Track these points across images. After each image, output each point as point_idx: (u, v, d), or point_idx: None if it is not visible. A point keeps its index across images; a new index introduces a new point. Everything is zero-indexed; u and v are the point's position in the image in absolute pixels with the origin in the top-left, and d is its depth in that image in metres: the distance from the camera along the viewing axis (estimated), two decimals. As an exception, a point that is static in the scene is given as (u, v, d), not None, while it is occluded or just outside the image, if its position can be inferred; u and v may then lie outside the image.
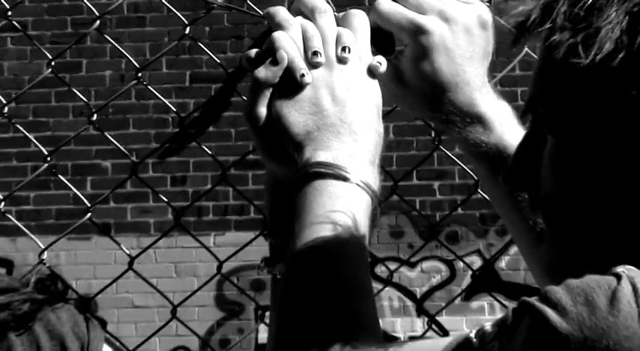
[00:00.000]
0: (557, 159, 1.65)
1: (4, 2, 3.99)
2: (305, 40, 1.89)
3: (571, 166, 1.64)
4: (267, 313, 1.91)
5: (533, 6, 1.61)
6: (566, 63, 1.55)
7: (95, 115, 4.27)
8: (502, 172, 1.78)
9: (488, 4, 2.05)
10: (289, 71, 1.86)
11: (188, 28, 3.83)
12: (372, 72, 1.91)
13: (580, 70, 1.54)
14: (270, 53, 1.87)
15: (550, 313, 1.50)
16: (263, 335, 8.92)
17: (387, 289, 9.59)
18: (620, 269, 1.52)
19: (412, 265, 9.67)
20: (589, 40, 1.54)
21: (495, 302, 9.42)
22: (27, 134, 4.51)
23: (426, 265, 9.75)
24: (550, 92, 1.63)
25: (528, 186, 1.73)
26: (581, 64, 1.53)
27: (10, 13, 3.91)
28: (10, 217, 4.60)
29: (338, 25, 1.92)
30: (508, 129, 2.04)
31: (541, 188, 1.69)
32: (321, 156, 1.82)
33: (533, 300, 1.52)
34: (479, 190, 2.92)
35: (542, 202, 1.71)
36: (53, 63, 4.05)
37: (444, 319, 9.32)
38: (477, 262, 9.58)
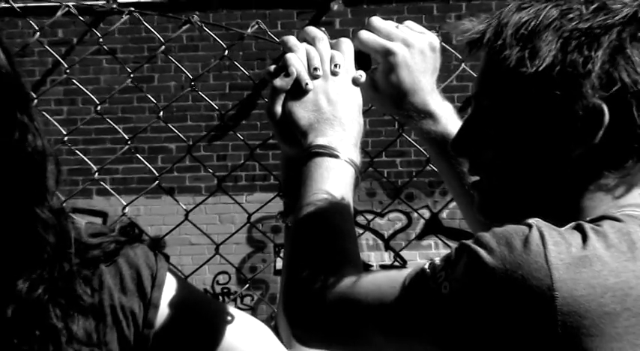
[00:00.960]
0: (498, 136, 1.65)
1: (97, 33, 3.96)
2: (308, 59, 1.89)
3: (507, 142, 1.65)
4: (282, 250, 1.89)
5: (485, 27, 1.63)
6: (515, 70, 1.57)
7: (162, 112, 4.26)
8: (450, 142, 1.79)
9: (437, 33, 2.04)
10: (297, 81, 1.87)
11: (227, 52, 3.81)
12: (355, 82, 1.91)
13: (526, 76, 1.57)
14: (284, 69, 1.88)
15: (481, 251, 1.50)
16: (279, 264, 8.95)
17: (365, 232, 9.61)
18: (531, 220, 1.52)
19: (382, 216, 9.66)
20: (533, 55, 1.56)
21: (439, 241, 9.41)
22: (115, 126, 4.49)
23: (391, 215, 9.74)
24: (496, 90, 1.64)
25: (470, 153, 1.72)
26: (527, 72, 1.56)
27: (101, 40, 3.86)
28: (103, 184, 4.58)
29: (331, 48, 1.92)
30: (450, 122, 2.04)
31: (482, 156, 1.69)
32: (320, 141, 1.83)
33: (469, 242, 1.53)
34: (429, 164, 2.87)
35: (484, 166, 1.71)
36: (132, 76, 4.03)
37: (404, 253, 9.31)
38: (426, 213, 9.57)
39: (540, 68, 1.56)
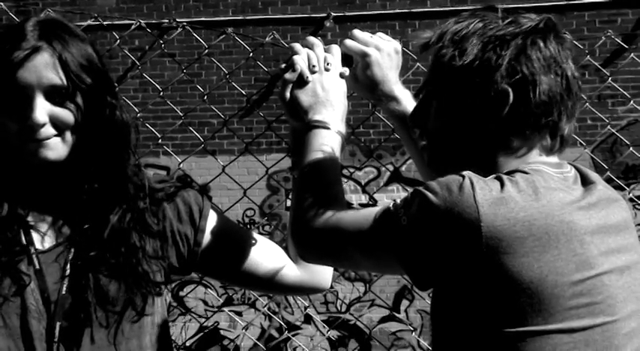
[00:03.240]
0: (439, 112, 1.66)
1: (162, 42, 3.94)
2: (309, 59, 1.87)
3: (445, 116, 1.64)
4: (290, 193, 1.88)
5: (432, 34, 1.64)
6: (449, 64, 1.59)
7: (207, 97, 4.25)
8: (409, 116, 1.81)
9: (399, 41, 2.04)
10: (301, 75, 1.85)
11: (251, 55, 3.78)
12: (341, 75, 1.90)
13: (456, 68, 1.58)
14: (291, 66, 1.86)
15: (429, 194, 1.51)
16: (288, 203, 8.96)
17: (349, 181, 9.58)
18: (464, 172, 1.52)
19: (360, 169, 9.63)
20: (461, 53, 1.57)
21: (400, 186, 9.39)
22: (174, 107, 4.48)
23: (366, 169, 9.70)
24: (438, 78, 1.64)
25: (420, 124, 1.72)
26: (457, 64, 1.58)
27: (164, 46, 3.85)
28: (166, 147, 4.57)
29: (325, 52, 1.90)
30: (409, 104, 2.01)
31: (429, 126, 1.69)
32: (316, 117, 1.82)
33: (421, 188, 1.54)
34: (394, 134, 2.85)
35: (430, 134, 1.70)
36: (185, 71, 4.02)
37: (375, 195, 9.30)
38: (390, 167, 9.53)
39: (466, 63, 1.57)
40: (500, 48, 1.57)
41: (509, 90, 1.55)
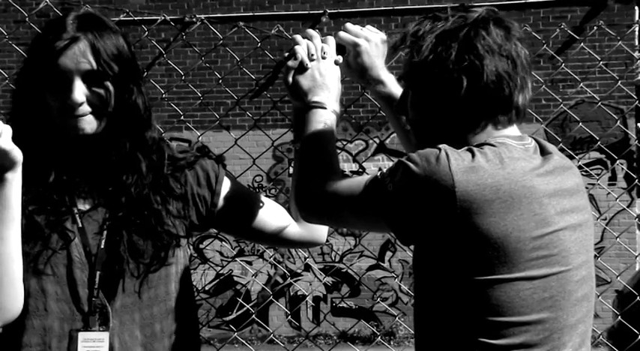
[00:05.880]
0: (412, 102, 1.64)
1: (183, 34, 3.90)
2: (308, 49, 1.84)
3: (417, 104, 1.63)
4: (293, 162, 1.86)
5: (398, 37, 1.64)
6: (410, 61, 1.58)
7: (221, 81, 4.21)
8: (394, 106, 1.76)
9: (385, 33, 2.01)
10: (301, 62, 1.82)
11: (260, 44, 3.75)
12: (336, 63, 1.87)
13: (416, 63, 1.57)
14: (293, 55, 1.83)
15: (411, 165, 1.50)
16: (291, 170, 8.91)
17: (341, 152, 9.56)
18: (440, 146, 1.52)
19: (351, 142, 9.60)
20: (418, 51, 1.56)
21: (385, 156, 9.37)
22: (194, 89, 4.45)
23: (356, 142, 9.69)
24: (407, 74, 1.63)
25: (404, 113, 1.69)
26: (416, 61, 1.56)
27: (185, 37, 3.81)
28: (188, 123, 4.54)
29: (322, 42, 1.87)
30: (393, 86, 1.98)
31: (410, 114, 1.67)
32: (315, 98, 1.79)
33: (404, 159, 1.52)
34: (380, 112, 2.83)
35: (410, 120, 1.68)
36: (204, 59, 3.98)
37: (363, 164, 9.29)
38: (377, 140, 9.50)
39: (422, 58, 1.55)
40: (449, 41, 1.54)
41: (463, 76, 1.53)
